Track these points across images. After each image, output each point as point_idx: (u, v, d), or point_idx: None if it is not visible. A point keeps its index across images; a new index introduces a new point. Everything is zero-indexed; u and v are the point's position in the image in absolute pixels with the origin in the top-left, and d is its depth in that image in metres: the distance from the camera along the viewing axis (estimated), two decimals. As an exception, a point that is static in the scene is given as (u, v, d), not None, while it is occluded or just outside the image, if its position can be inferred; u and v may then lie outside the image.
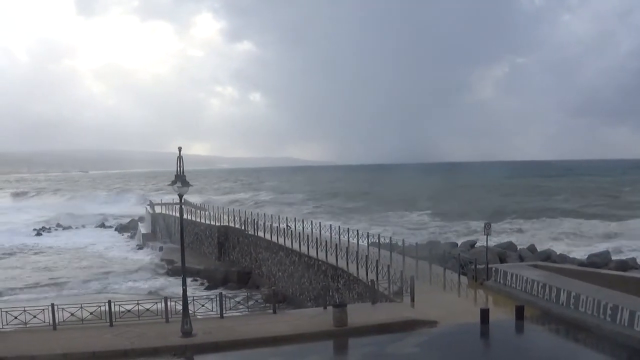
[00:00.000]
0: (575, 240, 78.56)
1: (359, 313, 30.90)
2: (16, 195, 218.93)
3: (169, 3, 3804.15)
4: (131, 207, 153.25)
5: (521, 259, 54.71)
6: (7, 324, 31.16)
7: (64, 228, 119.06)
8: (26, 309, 31.74)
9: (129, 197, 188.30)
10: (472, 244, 64.20)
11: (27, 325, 31.23)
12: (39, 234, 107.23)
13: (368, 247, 49.40)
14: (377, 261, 38.51)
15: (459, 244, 65.99)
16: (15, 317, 31.51)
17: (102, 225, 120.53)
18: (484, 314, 28.84)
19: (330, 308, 30.68)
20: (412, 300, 33.34)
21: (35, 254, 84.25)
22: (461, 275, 39.58)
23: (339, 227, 55.79)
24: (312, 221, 60.84)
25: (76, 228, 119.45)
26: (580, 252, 64.65)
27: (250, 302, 36.06)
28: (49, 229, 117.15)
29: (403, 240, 48.86)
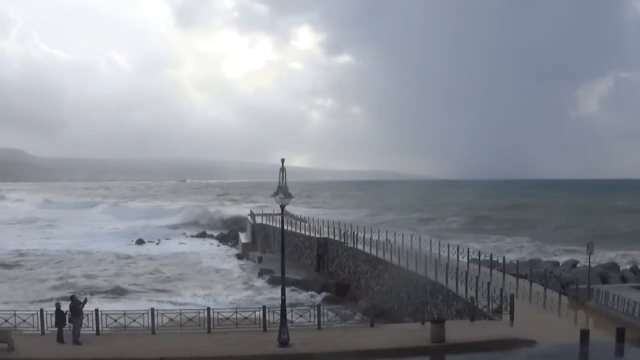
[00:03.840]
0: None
1: (457, 330, 30.82)
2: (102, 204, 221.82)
3: (268, 15, 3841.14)
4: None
5: (623, 280, 53.30)
6: (106, 327, 32.24)
7: (165, 237, 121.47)
8: (126, 312, 32.81)
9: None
10: (573, 264, 63.06)
11: (127, 329, 32.25)
12: (140, 243, 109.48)
13: (468, 263, 48.99)
14: (477, 278, 38.23)
15: (561, 263, 64.86)
16: (115, 321, 32.55)
17: (203, 234, 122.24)
18: (584, 335, 28.36)
19: (428, 323, 30.67)
20: (512, 318, 33.03)
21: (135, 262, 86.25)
22: (562, 295, 39.01)
23: (439, 242, 55.47)
24: (411, 235, 60.62)
25: (176, 237, 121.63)
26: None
27: (348, 315, 36.29)
28: (153, 235, 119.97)
29: (504, 258, 48.46)
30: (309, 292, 60.36)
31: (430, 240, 56.55)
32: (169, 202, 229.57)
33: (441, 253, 52.55)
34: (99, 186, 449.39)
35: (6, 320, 32.32)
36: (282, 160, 28.60)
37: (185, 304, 53.02)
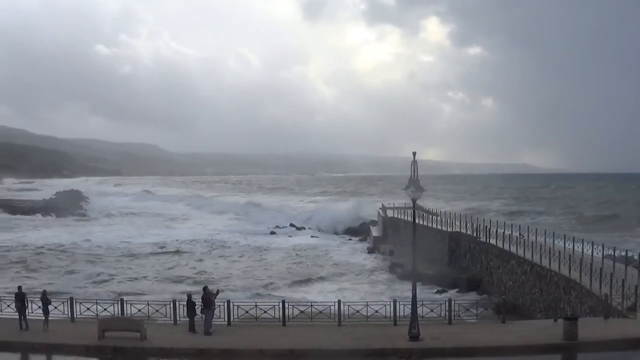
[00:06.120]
0: None
1: (590, 327, 30.48)
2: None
3: (396, 7, 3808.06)
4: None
5: None
6: (237, 318, 33.42)
7: (297, 228, 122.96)
8: (257, 304, 33.95)
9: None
10: None
11: (257, 320, 33.34)
12: (272, 234, 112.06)
13: (602, 259, 47.99)
14: (611, 274, 37.52)
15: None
16: (246, 312, 33.75)
17: (333, 228, 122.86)
18: None
19: (560, 321, 30.52)
20: (646, 317, 32.39)
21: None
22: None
23: (573, 237, 54.44)
24: (545, 230, 59.74)
25: (309, 228, 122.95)
26: None
27: (479, 310, 36.32)
28: (283, 228, 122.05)
29: (639, 254, 47.25)
30: (440, 287, 60.23)
31: (564, 235, 55.61)
32: (280, 197, 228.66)
33: (575, 248, 51.60)
34: (221, 180, 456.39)
35: (139, 310, 34.09)
36: (414, 154, 28.96)
37: (316, 297, 53.88)
